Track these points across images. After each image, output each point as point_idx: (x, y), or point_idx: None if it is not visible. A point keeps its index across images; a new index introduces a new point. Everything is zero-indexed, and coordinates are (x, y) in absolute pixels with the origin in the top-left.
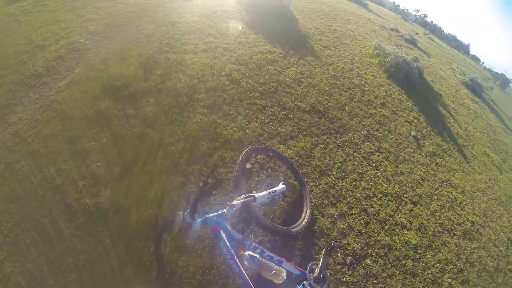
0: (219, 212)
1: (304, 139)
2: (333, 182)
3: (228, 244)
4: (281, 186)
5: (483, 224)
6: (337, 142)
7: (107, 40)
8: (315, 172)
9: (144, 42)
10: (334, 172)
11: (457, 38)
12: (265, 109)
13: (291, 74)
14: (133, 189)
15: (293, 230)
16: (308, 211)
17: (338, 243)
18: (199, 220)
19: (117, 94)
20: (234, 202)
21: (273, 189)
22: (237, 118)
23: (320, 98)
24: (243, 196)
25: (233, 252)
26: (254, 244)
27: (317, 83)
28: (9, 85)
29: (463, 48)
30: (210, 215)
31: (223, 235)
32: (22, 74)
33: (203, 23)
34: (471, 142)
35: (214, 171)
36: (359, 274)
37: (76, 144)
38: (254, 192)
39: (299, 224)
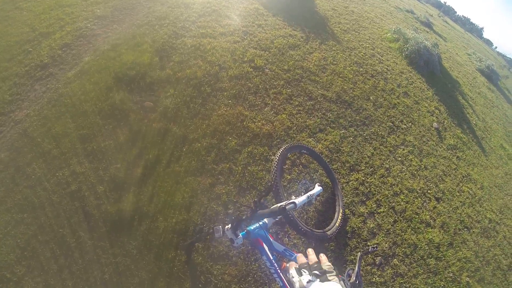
0: (260, 223)
1: (333, 131)
2: (362, 178)
3: (272, 258)
4: (318, 188)
5: (499, 221)
6: (364, 134)
7: (117, 24)
8: (344, 168)
9: (157, 26)
10: (363, 168)
11: (471, 21)
12: (292, 99)
13: (315, 60)
14: (158, 193)
15: (328, 233)
16: (341, 210)
17: (374, 248)
18: (241, 234)
19: (132, 85)
20: None
21: (311, 192)
22: (264, 109)
23: (345, 87)
24: (283, 203)
25: (277, 266)
26: (295, 254)
27: (341, 70)
28: (13, 78)
29: (477, 32)
30: (252, 228)
31: (266, 248)
32: (27, 66)
33: (218, 4)
34: (489, 134)
35: (269, 191)
36: (387, 274)
37: (91, 143)
38: (294, 196)
39: (333, 226)
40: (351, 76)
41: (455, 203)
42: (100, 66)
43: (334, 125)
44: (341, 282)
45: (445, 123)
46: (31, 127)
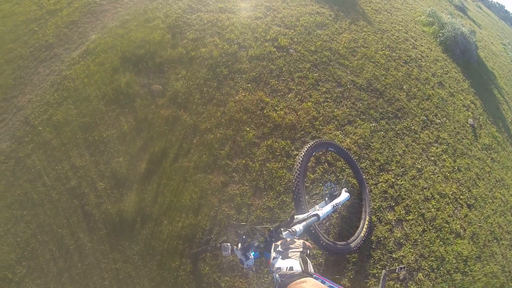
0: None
1: (363, 124)
2: (392, 180)
3: None
4: (344, 194)
5: None
6: (396, 129)
7: None
8: (374, 167)
9: (171, 0)
10: (393, 168)
11: (505, 8)
12: (319, 84)
13: (344, 42)
14: (163, 192)
15: (352, 245)
16: (367, 218)
17: (402, 268)
18: (252, 255)
19: (140, 66)
20: (296, 228)
21: (336, 200)
22: (288, 95)
23: (377, 73)
24: (305, 215)
25: None
26: (314, 275)
27: (372, 54)
28: (17, 60)
29: (510, 21)
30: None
31: None
32: (31, 47)
33: None
34: None
35: (291, 222)
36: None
37: (92, 132)
38: (317, 206)
39: (358, 236)
40: (383, 61)
41: (487, 211)
42: (107, 44)
43: (364, 117)
44: (300, 259)
45: (480, 120)
46: (32, 114)
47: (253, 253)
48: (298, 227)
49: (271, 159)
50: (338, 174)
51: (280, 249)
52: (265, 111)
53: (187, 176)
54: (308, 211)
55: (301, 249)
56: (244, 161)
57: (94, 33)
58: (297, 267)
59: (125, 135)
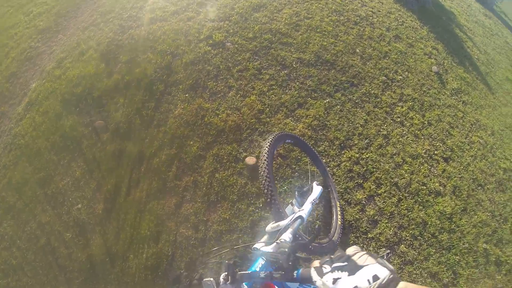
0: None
1: (315, 103)
2: (356, 155)
3: None
4: (317, 188)
5: None
6: (354, 98)
7: (61, 33)
8: (334, 147)
9: (102, 24)
10: (356, 142)
11: None
12: (261, 72)
13: (285, 19)
14: (123, 228)
15: (334, 239)
16: (338, 204)
17: (388, 254)
18: (245, 285)
19: (80, 105)
20: (284, 236)
21: (312, 196)
22: (228, 95)
23: (325, 43)
24: (286, 220)
25: None
26: None
27: (318, 23)
28: None
29: None
30: (255, 269)
31: None
32: None
33: None
34: (493, 68)
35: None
36: (394, 265)
37: (50, 185)
38: (295, 207)
39: (336, 227)
40: (331, 28)
41: (466, 159)
42: (47, 90)
43: (315, 95)
44: (378, 259)
45: (445, 64)
46: None
47: (246, 283)
48: (287, 236)
49: (219, 168)
50: (293, 166)
51: (341, 263)
52: (206, 119)
53: (141, 207)
54: (287, 216)
55: (365, 252)
56: (192, 178)
57: (34, 81)
58: (383, 271)
59: (79, 180)
